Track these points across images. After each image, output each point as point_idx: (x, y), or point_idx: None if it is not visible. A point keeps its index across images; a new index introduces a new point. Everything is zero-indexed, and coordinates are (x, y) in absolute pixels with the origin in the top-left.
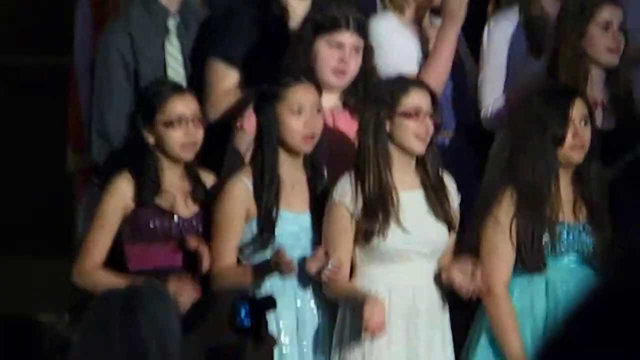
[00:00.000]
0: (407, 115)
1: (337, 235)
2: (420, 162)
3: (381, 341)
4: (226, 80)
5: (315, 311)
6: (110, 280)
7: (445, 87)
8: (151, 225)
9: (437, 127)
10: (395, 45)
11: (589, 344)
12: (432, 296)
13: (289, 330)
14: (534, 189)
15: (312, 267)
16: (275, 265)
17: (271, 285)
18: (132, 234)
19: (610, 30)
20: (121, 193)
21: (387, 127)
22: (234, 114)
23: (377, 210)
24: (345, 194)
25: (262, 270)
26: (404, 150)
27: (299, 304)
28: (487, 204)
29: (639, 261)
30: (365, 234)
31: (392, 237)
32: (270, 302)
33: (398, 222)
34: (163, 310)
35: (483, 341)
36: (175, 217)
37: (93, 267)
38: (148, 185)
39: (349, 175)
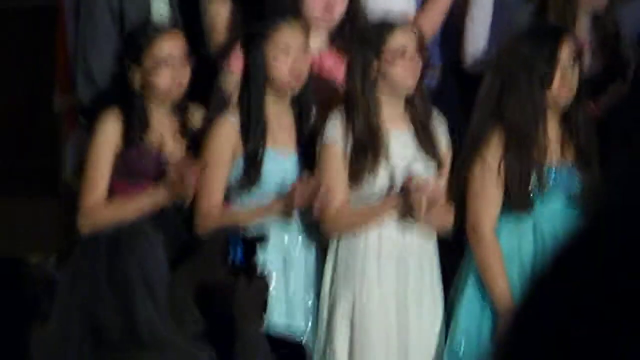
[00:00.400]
0: (394, 54)
1: (332, 174)
2: (409, 102)
3: (372, 280)
4: (224, 17)
5: (302, 248)
6: (120, 210)
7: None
8: (140, 164)
9: (426, 67)
10: None
11: (571, 285)
12: (421, 236)
13: (276, 268)
14: (521, 130)
15: (299, 196)
16: (287, 201)
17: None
18: (121, 173)
19: None
20: (111, 131)
21: (375, 68)
22: (222, 53)
23: (366, 149)
24: (336, 134)
25: (262, 212)
26: (393, 90)
27: (286, 242)
28: (475, 145)
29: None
30: (355, 173)
31: (383, 178)
32: (262, 238)
33: (388, 161)
34: (149, 250)
35: (471, 282)
36: (164, 155)
37: (99, 205)
38: (136, 125)
39: (339, 116)
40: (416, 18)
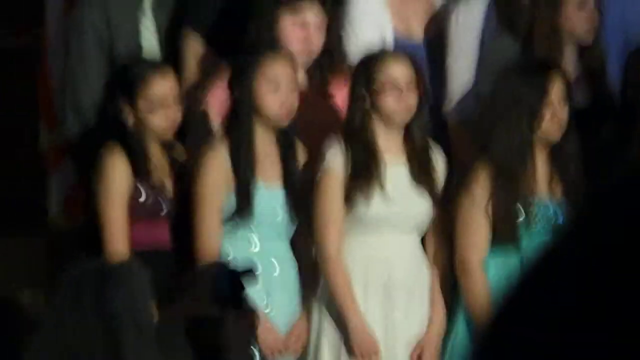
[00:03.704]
0: (385, 86)
1: (331, 200)
2: (408, 133)
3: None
4: (198, 52)
5: (280, 271)
6: None
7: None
8: (147, 202)
9: (423, 99)
10: (365, 15)
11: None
12: (410, 269)
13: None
14: (509, 164)
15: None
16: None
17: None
18: (135, 212)
19: (586, 7)
20: (122, 169)
21: (369, 100)
22: (195, 88)
23: (362, 176)
24: (337, 161)
25: None
26: (386, 121)
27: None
28: (463, 178)
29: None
30: (349, 199)
31: (376, 205)
32: (250, 273)
33: (382, 190)
34: (135, 285)
35: (462, 318)
36: (166, 193)
37: (126, 253)
38: (141, 162)
39: (338, 144)
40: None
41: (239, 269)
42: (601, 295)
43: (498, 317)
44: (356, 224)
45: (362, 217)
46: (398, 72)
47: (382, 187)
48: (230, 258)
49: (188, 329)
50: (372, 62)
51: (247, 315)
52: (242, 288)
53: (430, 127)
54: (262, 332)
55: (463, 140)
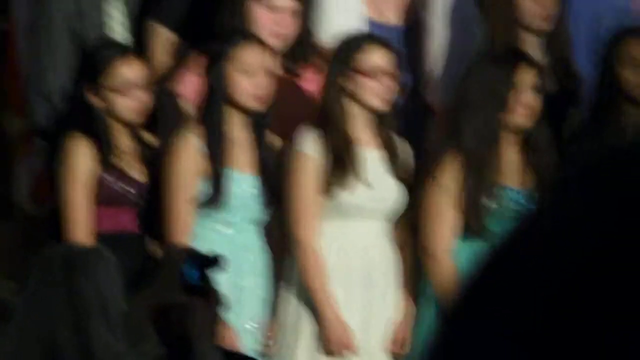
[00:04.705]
0: (364, 73)
1: (305, 183)
2: (382, 122)
3: (338, 293)
4: (164, 42)
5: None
6: None
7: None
8: (115, 188)
9: (400, 87)
10: (340, 4)
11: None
12: (386, 254)
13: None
14: (477, 153)
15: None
16: None
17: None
18: (99, 199)
19: None
20: (86, 156)
21: (346, 86)
22: (167, 77)
23: (339, 163)
24: (312, 145)
25: None
26: (362, 108)
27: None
28: (431, 167)
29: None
30: (326, 187)
31: (357, 192)
32: (218, 261)
33: (362, 177)
34: (103, 271)
35: (426, 307)
36: (135, 179)
37: (90, 239)
38: (107, 148)
39: (314, 130)
40: None
41: (207, 257)
42: (565, 277)
43: (460, 303)
44: (334, 210)
45: (339, 204)
46: (377, 58)
47: (359, 174)
48: (200, 245)
49: (155, 316)
50: (350, 47)
51: (213, 300)
52: (209, 275)
53: (410, 112)
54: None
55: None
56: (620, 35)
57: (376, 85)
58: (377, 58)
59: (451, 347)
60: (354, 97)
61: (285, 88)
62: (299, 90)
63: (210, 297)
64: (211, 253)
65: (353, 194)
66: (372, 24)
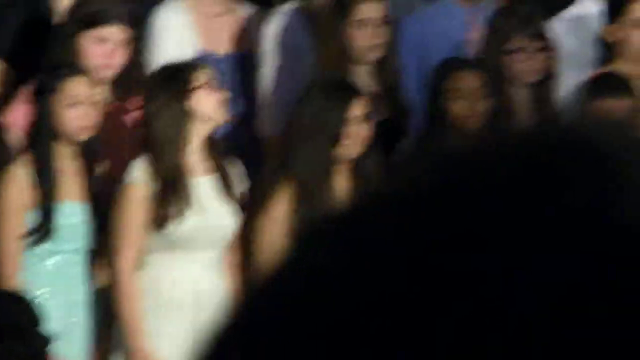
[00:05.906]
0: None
1: (131, 215)
2: (212, 147)
3: (165, 325)
4: None
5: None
6: None
7: (234, 74)
8: None
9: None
10: (166, 32)
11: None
12: (217, 284)
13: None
14: (311, 182)
15: None
16: None
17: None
18: None
19: (367, 26)
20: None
21: (184, 106)
22: None
23: (173, 194)
24: (141, 175)
25: None
26: (205, 124)
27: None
28: (263, 196)
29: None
30: (160, 219)
31: (188, 223)
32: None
33: (193, 207)
34: None
35: None
36: None
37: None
38: None
39: (143, 158)
40: None
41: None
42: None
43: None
44: (165, 241)
45: (171, 234)
46: (207, 78)
47: (190, 203)
48: (27, 278)
49: None
50: (185, 69)
51: (38, 341)
52: (31, 319)
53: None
54: None
55: (277, 152)
56: (448, 67)
57: (214, 104)
58: (207, 78)
59: None
60: (193, 116)
61: (114, 116)
62: (128, 118)
63: (33, 338)
64: (33, 301)
65: (185, 224)
66: (204, 53)
